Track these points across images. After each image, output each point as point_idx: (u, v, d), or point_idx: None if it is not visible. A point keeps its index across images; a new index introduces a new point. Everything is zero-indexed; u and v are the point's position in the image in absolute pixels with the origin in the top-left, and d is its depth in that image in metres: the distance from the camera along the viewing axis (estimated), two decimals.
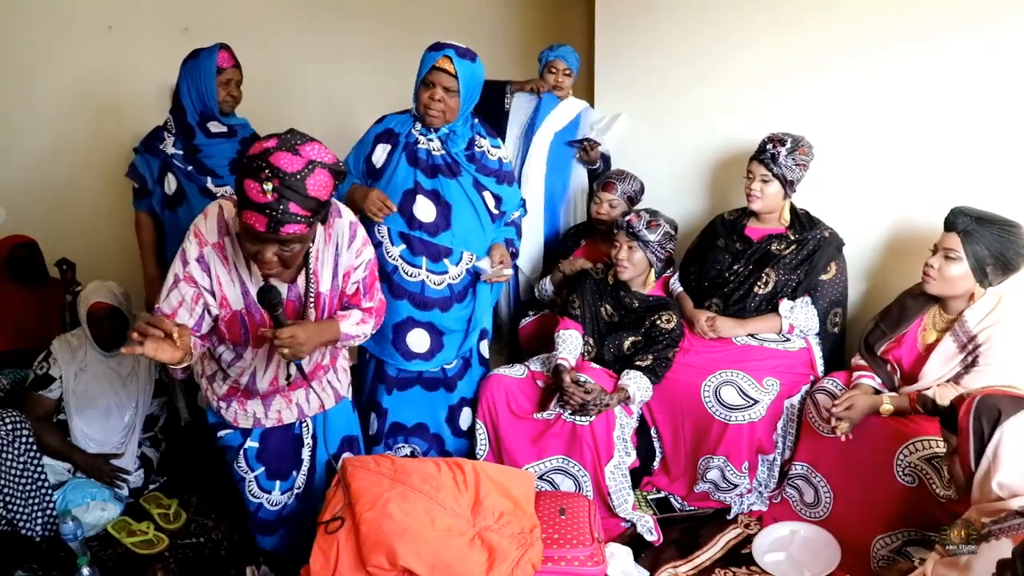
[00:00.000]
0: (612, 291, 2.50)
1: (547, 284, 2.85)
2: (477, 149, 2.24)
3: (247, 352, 1.78)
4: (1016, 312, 1.97)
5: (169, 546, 2.30)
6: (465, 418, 2.44)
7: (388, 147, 2.22)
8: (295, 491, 2.01)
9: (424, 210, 2.19)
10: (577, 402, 2.18)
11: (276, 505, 1.99)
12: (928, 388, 2.02)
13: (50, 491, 2.27)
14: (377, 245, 2.18)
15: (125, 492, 2.45)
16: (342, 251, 1.70)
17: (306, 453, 1.99)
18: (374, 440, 2.38)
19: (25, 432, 2.21)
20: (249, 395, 1.87)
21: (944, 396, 1.97)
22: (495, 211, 2.31)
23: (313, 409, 1.96)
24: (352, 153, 2.30)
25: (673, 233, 2.46)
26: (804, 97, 2.65)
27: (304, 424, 1.98)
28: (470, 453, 2.46)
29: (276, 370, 1.82)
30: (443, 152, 2.21)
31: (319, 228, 1.62)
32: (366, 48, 3.98)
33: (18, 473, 2.19)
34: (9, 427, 2.18)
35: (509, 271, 2.33)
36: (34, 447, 2.23)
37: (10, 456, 2.18)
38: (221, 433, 1.94)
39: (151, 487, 2.58)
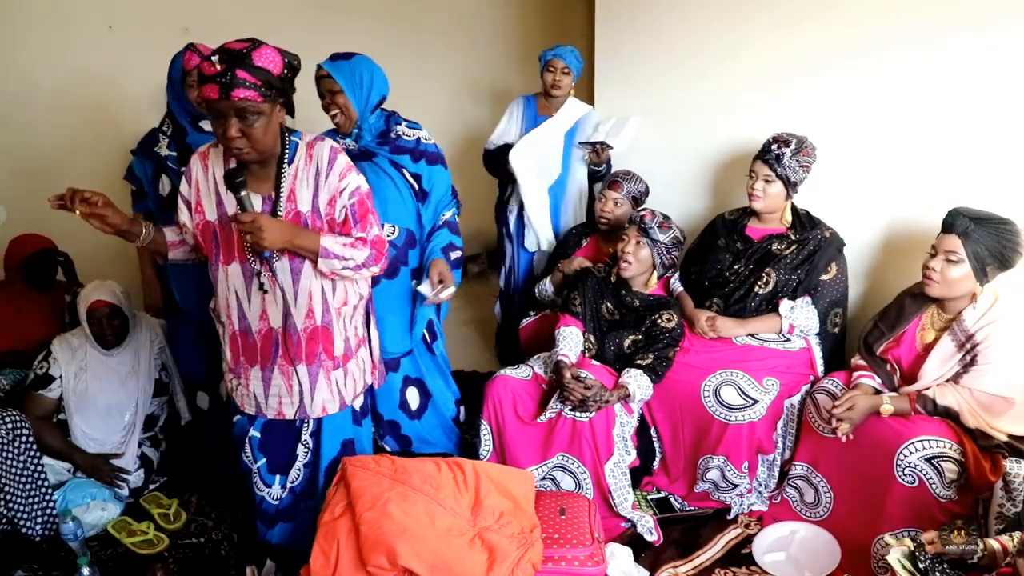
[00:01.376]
0: (613, 290, 2.50)
1: (547, 285, 2.85)
2: (392, 136, 2.29)
3: (220, 272, 1.79)
4: (1014, 311, 1.97)
5: (169, 546, 2.30)
6: (412, 397, 2.44)
7: None
8: (291, 485, 2.00)
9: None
10: (577, 397, 2.18)
11: (276, 500, 2.00)
12: (928, 388, 2.02)
13: (50, 491, 2.27)
14: None
15: (125, 492, 2.45)
16: (322, 172, 1.73)
17: (302, 450, 1.98)
18: (416, 414, 2.42)
19: (25, 432, 2.21)
20: (249, 356, 1.84)
21: (944, 396, 1.98)
22: (419, 188, 2.32)
23: (316, 409, 1.91)
24: None
25: (682, 240, 2.47)
26: (804, 97, 2.65)
27: (304, 421, 1.96)
28: (470, 452, 2.45)
29: (262, 302, 1.78)
30: (356, 146, 2.26)
31: (302, 148, 1.73)
32: (367, 48, 3.96)
33: (18, 472, 2.19)
34: (9, 427, 2.18)
35: (451, 290, 2.26)
36: (34, 447, 2.23)
37: (10, 456, 2.18)
38: (236, 418, 1.98)
39: (151, 487, 2.58)
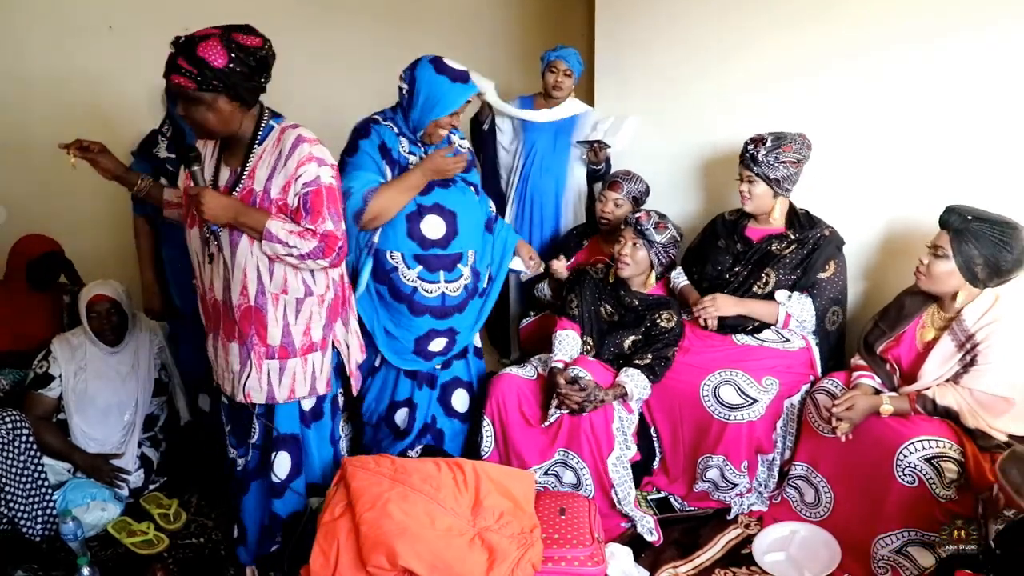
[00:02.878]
0: (612, 290, 2.50)
1: (545, 287, 2.85)
2: (454, 148, 2.27)
3: (187, 234, 1.91)
4: (1014, 311, 1.97)
5: (169, 546, 2.30)
6: (458, 399, 2.44)
7: (388, 167, 2.17)
8: (246, 459, 2.06)
9: (433, 227, 2.19)
10: (575, 402, 2.18)
11: (240, 466, 2.08)
12: (928, 388, 2.02)
13: (50, 491, 2.27)
14: (391, 271, 2.19)
15: (125, 492, 2.45)
16: (283, 157, 1.79)
17: (254, 430, 2.01)
18: (404, 433, 2.38)
19: (24, 431, 2.21)
20: (207, 321, 1.95)
21: (944, 396, 1.97)
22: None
23: (239, 392, 1.90)
24: (354, 167, 2.14)
25: (679, 239, 2.47)
26: (804, 97, 2.65)
27: (252, 403, 1.97)
28: (472, 449, 2.46)
29: (210, 271, 1.86)
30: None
31: (274, 132, 1.81)
32: (367, 48, 3.98)
33: (18, 472, 2.19)
34: (9, 426, 2.18)
35: (543, 265, 2.50)
36: (34, 446, 2.23)
37: (10, 455, 2.18)
38: (216, 382, 2.06)
39: (151, 487, 2.58)
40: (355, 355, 2.10)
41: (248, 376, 1.89)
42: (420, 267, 2.20)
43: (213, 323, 1.93)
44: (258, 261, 1.81)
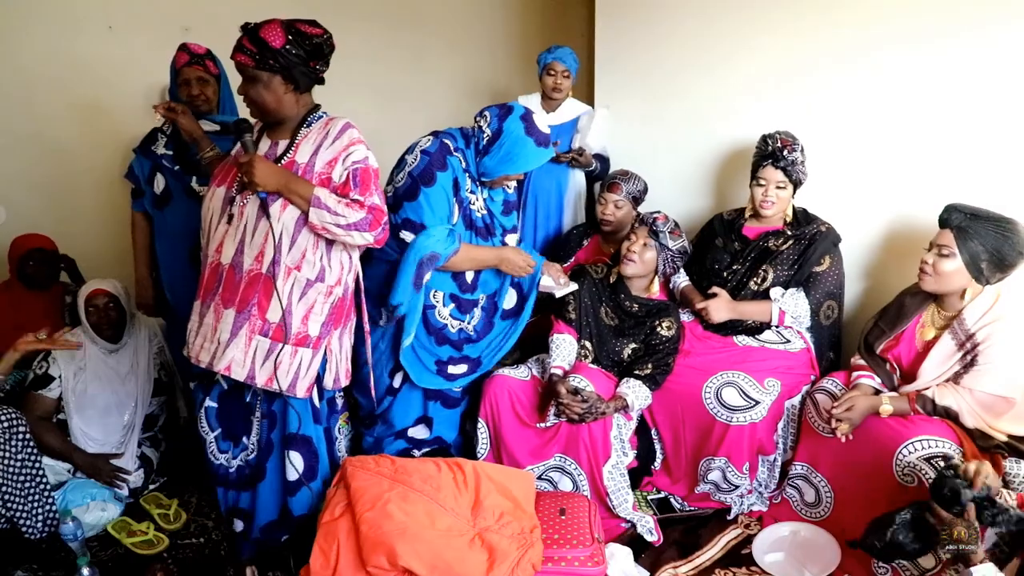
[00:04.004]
0: (612, 293, 2.49)
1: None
2: (504, 191, 2.35)
3: (208, 192, 1.95)
4: (1014, 310, 1.97)
5: (169, 546, 2.30)
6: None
7: (457, 204, 2.17)
8: (247, 458, 2.04)
9: (471, 272, 2.27)
10: (576, 413, 2.18)
11: (233, 468, 2.05)
12: (927, 388, 2.02)
13: (50, 490, 2.27)
14: (429, 307, 2.24)
15: (125, 492, 2.45)
16: (330, 136, 1.88)
17: (255, 426, 2.00)
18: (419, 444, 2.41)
19: (21, 429, 2.20)
20: (203, 285, 1.91)
21: (944, 396, 1.97)
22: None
23: (221, 363, 1.85)
24: (429, 200, 2.10)
25: (688, 252, 2.47)
26: (804, 97, 2.65)
27: (258, 397, 1.96)
28: (466, 451, 2.46)
29: (223, 232, 1.87)
30: (485, 212, 2.28)
31: (322, 121, 1.90)
32: (367, 48, 3.98)
33: (16, 471, 2.18)
34: (5, 425, 2.17)
35: (575, 284, 2.42)
36: (32, 445, 2.23)
37: (7, 455, 2.17)
38: (192, 384, 2.07)
39: (151, 487, 2.58)
40: (341, 377, 2.05)
41: (234, 347, 1.84)
42: (453, 306, 2.26)
43: (210, 289, 1.88)
44: (283, 228, 1.82)
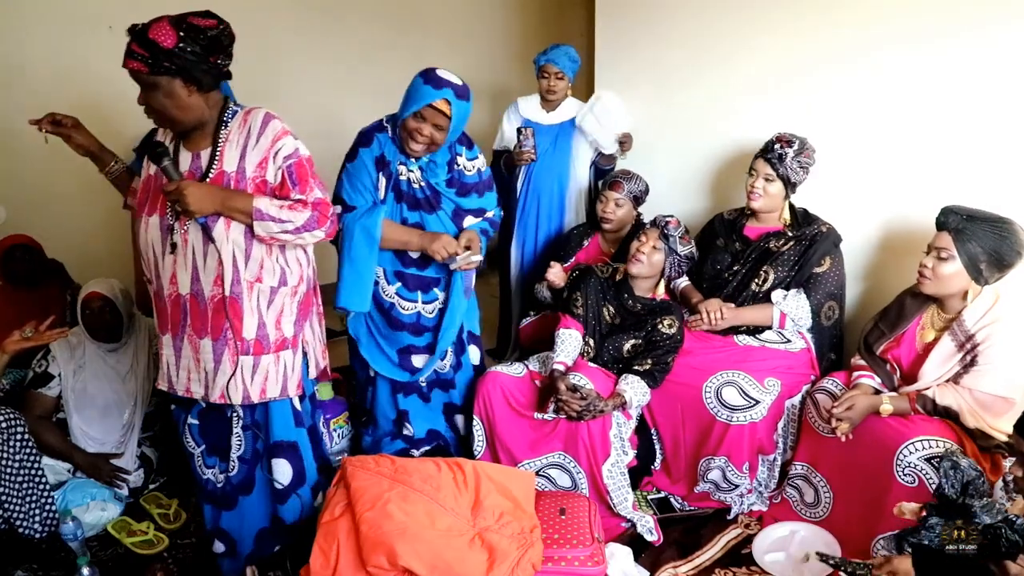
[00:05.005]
0: (615, 292, 2.49)
1: (544, 288, 2.85)
2: (456, 168, 2.23)
3: (141, 224, 1.80)
4: (1014, 311, 1.97)
5: (169, 546, 2.30)
6: (459, 422, 2.50)
7: (383, 178, 2.18)
8: (229, 475, 1.99)
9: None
10: (574, 410, 2.18)
11: (219, 482, 2.02)
12: (928, 388, 2.02)
13: (49, 490, 2.26)
14: (374, 285, 2.23)
15: (125, 492, 2.45)
16: (253, 135, 1.74)
17: (235, 441, 1.96)
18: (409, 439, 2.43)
19: (20, 429, 2.20)
20: (163, 322, 1.84)
21: (944, 396, 1.98)
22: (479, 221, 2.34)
23: (215, 393, 1.82)
24: (349, 177, 2.18)
25: (695, 258, 2.48)
26: (804, 96, 2.65)
27: (234, 413, 1.93)
28: (464, 450, 2.47)
29: (172, 264, 1.77)
30: (423, 184, 2.19)
31: (239, 116, 1.76)
32: (367, 48, 3.99)
33: (14, 472, 2.18)
34: (4, 425, 2.17)
35: (478, 257, 2.23)
36: (30, 445, 2.22)
37: (5, 455, 2.17)
38: (172, 406, 2.02)
39: (151, 487, 2.58)
40: (319, 360, 2.05)
41: (222, 374, 1.81)
42: (399, 283, 2.25)
43: (177, 321, 1.81)
44: (234, 247, 1.74)
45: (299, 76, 3.75)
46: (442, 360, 2.39)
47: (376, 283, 2.24)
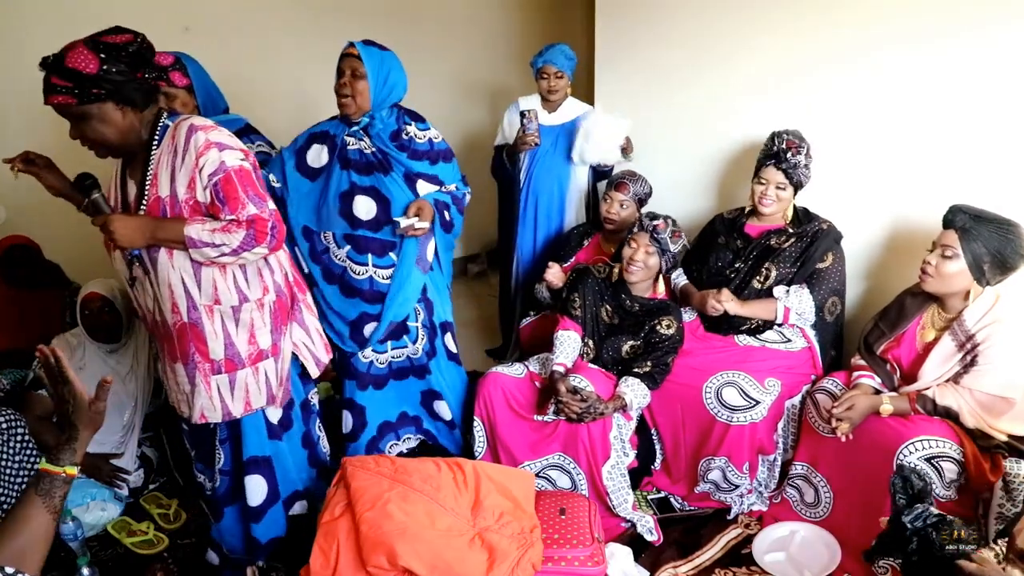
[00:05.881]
0: (613, 292, 2.49)
1: (544, 288, 2.85)
2: (404, 137, 2.26)
3: (112, 257, 1.78)
4: (1014, 311, 1.97)
5: (169, 546, 2.30)
6: (440, 408, 2.49)
7: (324, 148, 2.26)
8: (214, 485, 2.01)
9: (364, 208, 2.23)
10: (574, 411, 2.18)
11: (208, 490, 2.04)
12: (928, 388, 2.02)
13: None
14: (324, 251, 2.28)
15: (125, 492, 2.45)
16: (179, 154, 1.66)
17: (218, 455, 1.98)
18: (349, 438, 2.41)
19: (20, 430, 2.19)
20: (154, 339, 1.86)
21: (944, 396, 1.98)
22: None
23: (196, 414, 1.83)
24: (284, 149, 2.34)
25: (688, 247, 2.50)
26: (804, 97, 2.65)
27: (217, 425, 1.92)
28: (465, 451, 2.46)
29: (137, 293, 1.78)
30: (373, 149, 2.23)
31: (169, 133, 1.68)
32: None
33: (13, 472, 2.17)
34: (4, 426, 2.17)
35: (424, 224, 2.19)
36: (32, 446, 2.22)
37: (4, 455, 2.17)
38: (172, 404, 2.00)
39: (151, 487, 2.58)
40: (320, 355, 2.05)
41: (198, 395, 1.81)
42: (349, 247, 2.25)
43: (159, 346, 1.85)
44: (182, 274, 1.70)
45: (296, 76, 3.75)
46: (414, 344, 2.39)
47: (327, 249, 2.27)
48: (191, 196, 1.66)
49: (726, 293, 2.43)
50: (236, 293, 1.77)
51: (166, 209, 1.66)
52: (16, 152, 1.79)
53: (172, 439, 2.72)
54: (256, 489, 1.97)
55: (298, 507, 2.14)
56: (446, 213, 2.31)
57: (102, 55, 1.54)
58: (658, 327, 2.38)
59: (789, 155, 2.38)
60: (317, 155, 2.27)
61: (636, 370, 2.33)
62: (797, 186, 2.43)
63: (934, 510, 1.50)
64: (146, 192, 1.67)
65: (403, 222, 2.16)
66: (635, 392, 2.27)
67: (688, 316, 2.57)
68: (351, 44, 2.17)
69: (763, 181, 2.44)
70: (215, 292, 1.74)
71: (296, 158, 2.29)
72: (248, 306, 1.80)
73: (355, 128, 2.23)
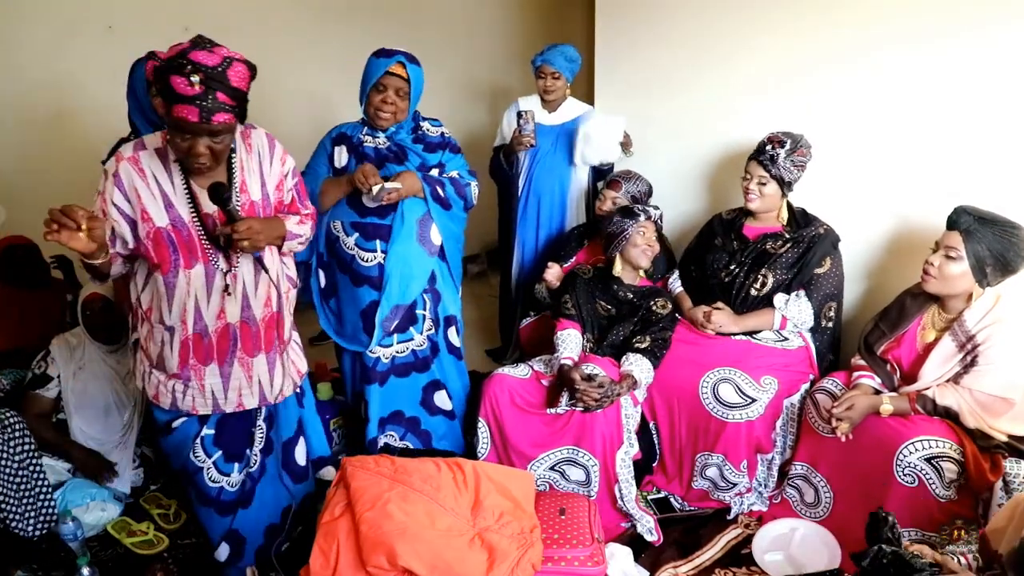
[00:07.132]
0: (604, 286, 2.51)
1: (543, 288, 2.85)
2: (419, 132, 2.36)
3: (180, 277, 1.69)
4: (1015, 312, 1.97)
5: (169, 546, 2.30)
6: (440, 399, 2.49)
7: (343, 148, 2.34)
8: (249, 471, 2.00)
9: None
10: (593, 399, 2.18)
11: (235, 486, 1.99)
12: (928, 388, 2.02)
13: (49, 491, 2.26)
14: (334, 240, 2.32)
15: (126, 491, 2.45)
16: (264, 160, 1.77)
17: (257, 435, 1.99)
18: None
19: (19, 430, 2.20)
20: (204, 356, 1.78)
21: (944, 396, 1.98)
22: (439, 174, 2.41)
23: (274, 394, 1.92)
24: (312, 160, 2.38)
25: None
26: (804, 97, 2.65)
27: (259, 408, 1.95)
28: (469, 451, 2.46)
29: (220, 301, 1.74)
30: (388, 144, 2.31)
31: (239, 140, 1.74)
32: (367, 49, 3.98)
33: (12, 472, 2.18)
34: (3, 426, 2.17)
35: (393, 185, 2.16)
36: (31, 446, 2.22)
37: (4, 454, 2.17)
38: (176, 424, 1.89)
39: (151, 487, 2.58)
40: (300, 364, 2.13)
41: (277, 377, 1.93)
42: (357, 234, 2.28)
43: (224, 350, 1.81)
44: (279, 268, 1.86)
45: (297, 76, 3.75)
46: (420, 335, 2.41)
47: (336, 238, 2.31)
48: (279, 197, 1.82)
49: (719, 315, 2.44)
50: (287, 280, 1.94)
51: (259, 211, 1.77)
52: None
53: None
54: (300, 451, 2.09)
55: (329, 472, 2.23)
56: (439, 189, 2.33)
57: (251, 72, 1.57)
58: (654, 307, 2.43)
59: (768, 148, 2.39)
60: (339, 156, 2.34)
61: (636, 345, 2.34)
62: (781, 182, 2.41)
63: (888, 548, 1.46)
64: (239, 198, 1.73)
65: (374, 189, 2.15)
66: (640, 368, 2.29)
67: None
68: (399, 61, 2.17)
69: (747, 176, 2.47)
70: (287, 280, 1.92)
71: (330, 165, 2.37)
72: (294, 292, 1.98)
73: (379, 134, 2.31)
